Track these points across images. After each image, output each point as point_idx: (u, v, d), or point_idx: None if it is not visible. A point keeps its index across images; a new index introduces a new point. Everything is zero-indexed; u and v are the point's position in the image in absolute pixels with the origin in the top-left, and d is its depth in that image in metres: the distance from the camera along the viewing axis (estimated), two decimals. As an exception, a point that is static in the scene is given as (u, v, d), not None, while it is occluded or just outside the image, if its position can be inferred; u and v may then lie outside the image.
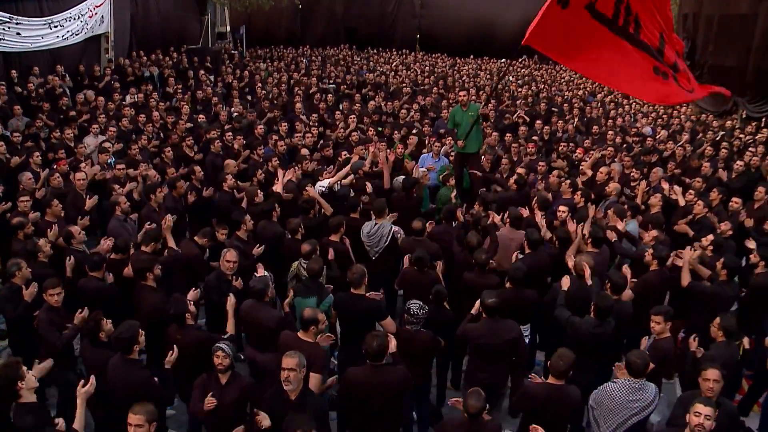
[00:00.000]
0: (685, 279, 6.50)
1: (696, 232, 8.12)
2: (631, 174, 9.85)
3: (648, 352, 5.31)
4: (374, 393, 4.68)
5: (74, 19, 16.08)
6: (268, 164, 9.39)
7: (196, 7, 24.32)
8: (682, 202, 8.87)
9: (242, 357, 4.80)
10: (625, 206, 8.04)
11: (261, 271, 5.98)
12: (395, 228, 7.20)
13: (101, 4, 17.22)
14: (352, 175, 8.63)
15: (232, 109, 13.57)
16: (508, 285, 6.15)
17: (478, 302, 5.55)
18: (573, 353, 4.65)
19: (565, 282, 6.01)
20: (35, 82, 13.77)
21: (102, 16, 17.51)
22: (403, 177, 8.76)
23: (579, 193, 8.45)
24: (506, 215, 7.51)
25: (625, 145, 12.73)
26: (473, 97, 16.71)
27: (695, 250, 6.98)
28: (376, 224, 7.23)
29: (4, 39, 13.63)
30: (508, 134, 12.41)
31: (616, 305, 5.74)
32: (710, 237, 7.33)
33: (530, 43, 7.37)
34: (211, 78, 19.86)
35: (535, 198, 8.06)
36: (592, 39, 7.29)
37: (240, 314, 5.57)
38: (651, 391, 4.75)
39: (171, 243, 6.63)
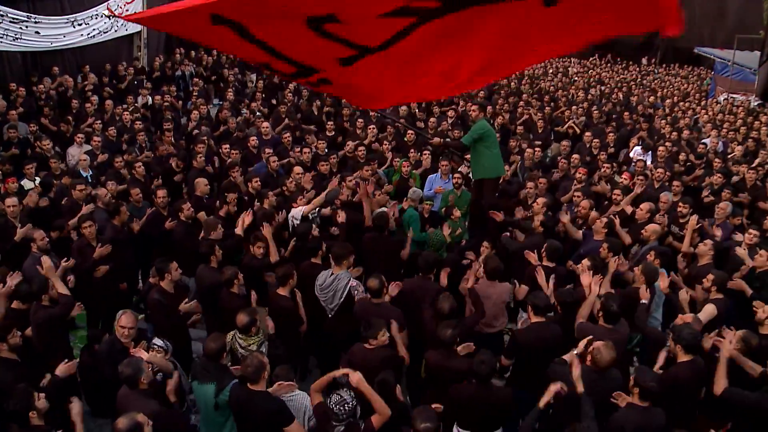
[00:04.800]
0: (719, 383, 4.69)
1: (756, 292, 6.34)
2: (678, 207, 7.96)
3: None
4: None
5: (101, 16, 15.51)
6: (248, 185, 8.21)
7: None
8: (686, 246, 7.11)
9: None
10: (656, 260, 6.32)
11: (140, 352, 4.71)
12: (353, 282, 5.81)
13: (132, 1, 16.61)
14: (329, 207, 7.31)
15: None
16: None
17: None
18: None
19: (551, 390, 4.42)
20: (48, 83, 13.11)
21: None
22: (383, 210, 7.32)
23: (605, 246, 6.60)
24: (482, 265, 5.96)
25: (687, 165, 10.75)
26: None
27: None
28: (332, 275, 5.87)
29: (21, 38, 13.17)
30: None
31: (643, 415, 4.26)
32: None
33: None
34: (253, 78, 19.05)
35: (545, 245, 6.41)
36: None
37: (116, 402, 4.40)
38: None
39: (60, 288, 5.42)
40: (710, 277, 6.04)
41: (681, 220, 7.79)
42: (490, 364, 4.48)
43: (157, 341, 4.83)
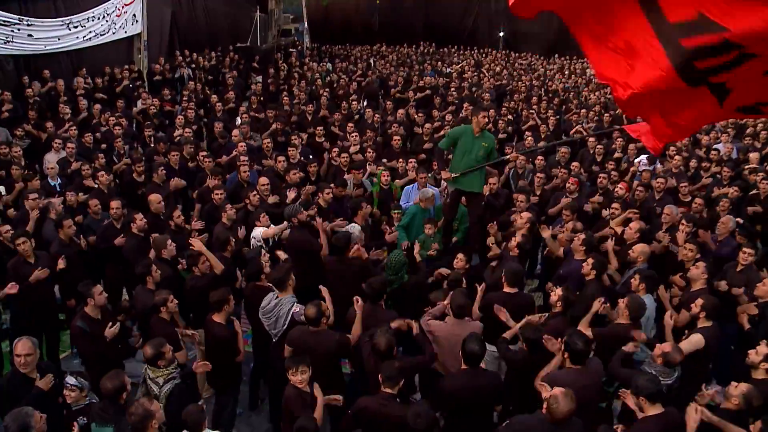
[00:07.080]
0: None
1: (753, 327, 5.70)
2: (681, 225, 7.22)
3: None
4: None
5: (98, 18, 15.27)
6: (211, 197, 7.74)
7: (252, 2, 23.05)
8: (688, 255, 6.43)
9: None
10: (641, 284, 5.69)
11: (44, 380, 4.24)
12: (296, 308, 5.30)
13: (131, 2, 16.35)
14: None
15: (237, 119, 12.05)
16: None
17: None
18: None
19: None
20: (37, 86, 12.86)
21: (134, 15, 16.66)
22: (356, 227, 6.79)
23: (590, 261, 6.05)
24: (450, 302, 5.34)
25: (693, 172, 10.00)
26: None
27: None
28: (277, 298, 5.39)
29: (13, 41, 12.94)
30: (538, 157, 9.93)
31: None
32: (763, 348, 4.82)
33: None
34: (259, 80, 18.69)
35: (504, 270, 5.78)
36: None
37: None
38: None
39: None
40: (699, 301, 5.38)
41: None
42: (427, 417, 3.89)
43: (70, 379, 4.34)
